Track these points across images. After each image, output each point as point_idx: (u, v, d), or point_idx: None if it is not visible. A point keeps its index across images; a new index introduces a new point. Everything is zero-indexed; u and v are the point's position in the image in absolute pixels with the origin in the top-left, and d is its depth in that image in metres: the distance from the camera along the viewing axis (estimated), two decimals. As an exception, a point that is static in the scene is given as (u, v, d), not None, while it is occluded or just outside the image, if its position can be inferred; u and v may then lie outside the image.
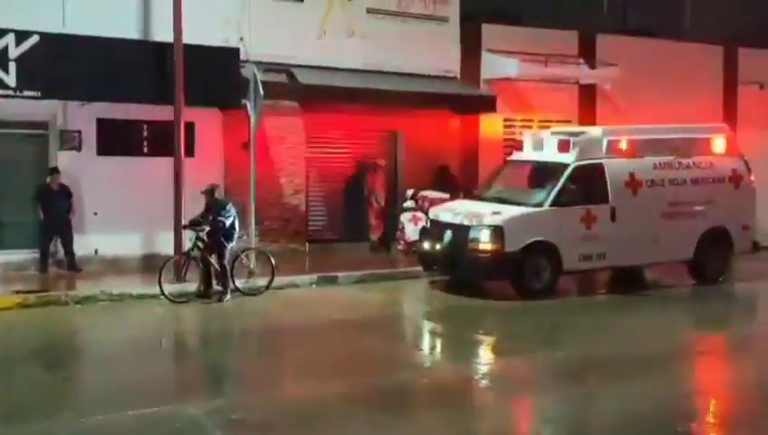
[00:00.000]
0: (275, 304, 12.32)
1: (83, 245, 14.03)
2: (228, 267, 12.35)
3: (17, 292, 12.09)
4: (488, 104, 17.00)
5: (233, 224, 12.42)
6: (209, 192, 12.55)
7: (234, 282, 12.45)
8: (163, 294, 11.95)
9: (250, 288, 12.67)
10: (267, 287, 12.69)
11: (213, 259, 12.32)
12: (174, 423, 7.06)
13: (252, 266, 12.96)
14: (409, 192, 16.32)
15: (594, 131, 13.90)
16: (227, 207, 12.43)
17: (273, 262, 12.74)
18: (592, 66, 18.49)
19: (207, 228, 12.35)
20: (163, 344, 10.65)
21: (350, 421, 7.24)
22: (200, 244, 12.39)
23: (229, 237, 12.38)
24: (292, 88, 15.18)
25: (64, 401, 7.95)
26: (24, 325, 11.01)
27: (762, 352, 10.12)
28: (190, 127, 14.11)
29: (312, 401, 7.73)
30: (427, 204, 15.82)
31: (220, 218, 12.27)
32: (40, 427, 7.01)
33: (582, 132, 13.95)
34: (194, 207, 12.81)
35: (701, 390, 8.67)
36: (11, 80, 12.70)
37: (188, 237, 12.73)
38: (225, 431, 6.88)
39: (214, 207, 12.45)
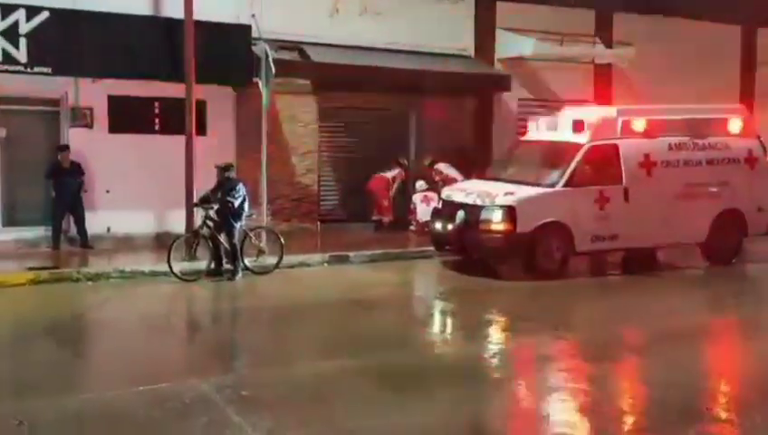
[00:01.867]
0: (286, 282, 12.31)
1: (96, 222, 14.06)
2: (238, 246, 12.32)
3: (30, 268, 12.12)
4: (503, 83, 16.88)
5: (242, 204, 12.36)
6: (223, 169, 12.48)
7: (243, 261, 12.43)
8: (173, 272, 11.92)
9: (259, 267, 12.64)
10: (276, 266, 12.66)
11: (222, 238, 12.29)
12: (184, 399, 7.05)
13: (261, 245, 12.93)
14: (427, 160, 16.24)
15: (609, 111, 13.75)
16: (237, 187, 12.36)
17: (282, 241, 12.70)
18: (609, 45, 18.32)
19: (216, 207, 12.32)
20: (173, 321, 10.65)
21: (361, 399, 7.22)
22: (209, 223, 12.36)
23: (238, 217, 12.34)
24: (305, 66, 15.10)
25: (75, 377, 7.98)
26: (36, 302, 11.03)
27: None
28: (202, 105, 14.09)
29: (322, 379, 7.71)
30: (438, 177, 15.81)
31: (229, 198, 12.22)
32: (51, 402, 7.02)
33: (597, 112, 13.81)
34: (206, 185, 12.77)
35: (715, 371, 8.59)
36: (22, 56, 12.72)
37: (200, 215, 12.72)
38: (236, 407, 6.87)
39: (224, 185, 12.41)
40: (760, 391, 7.67)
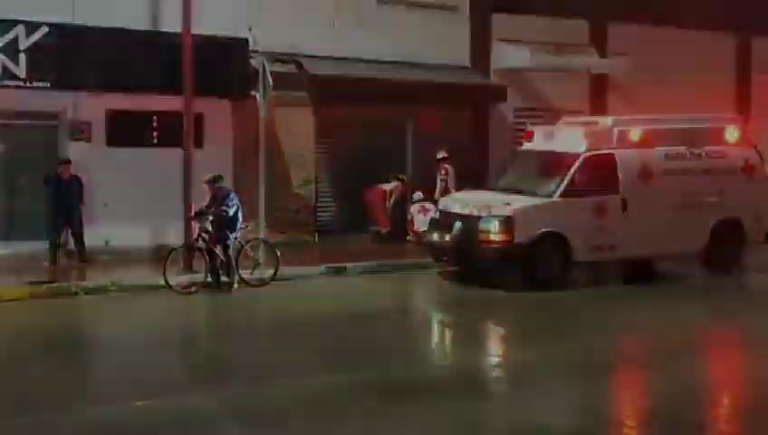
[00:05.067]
0: (283, 295, 12.31)
1: (94, 235, 14.03)
2: (233, 257, 12.33)
3: (28, 282, 12.11)
4: (499, 94, 16.93)
5: (236, 214, 12.39)
6: (211, 181, 12.52)
7: (239, 273, 12.43)
8: (168, 285, 11.92)
9: (256, 279, 12.63)
10: (273, 278, 12.67)
11: (218, 250, 12.30)
12: (184, 414, 7.06)
13: (257, 258, 12.93)
14: (441, 153, 16.24)
15: (605, 121, 13.80)
16: (230, 196, 12.41)
17: (279, 253, 12.72)
18: (603, 56, 18.40)
19: (211, 218, 12.35)
20: (172, 336, 10.63)
21: (361, 413, 7.22)
22: (205, 235, 12.38)
23: (232, 227, 12.36)
24: (302, 78, 15.15)
25: (74, 392, 7.95)
26: (34, 316, 11.02)
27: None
28: (199, 118, 14.12)
29: (321, 392, 7.71)
30: (444, 172, 15.88)
31: (223, 208, 12.25)
32: (50, 417, 7.03)
33: (593, 122, 13.87)
34: (203, 197, 12.78)
35: (714, 382, 8.61)
36: (21, 71, 12.79)
37: (197, 228, 12.70)
38: (235, 422, 6.88)
39: (217, 197, 12.44)
40: (756, 402, 7.69)
